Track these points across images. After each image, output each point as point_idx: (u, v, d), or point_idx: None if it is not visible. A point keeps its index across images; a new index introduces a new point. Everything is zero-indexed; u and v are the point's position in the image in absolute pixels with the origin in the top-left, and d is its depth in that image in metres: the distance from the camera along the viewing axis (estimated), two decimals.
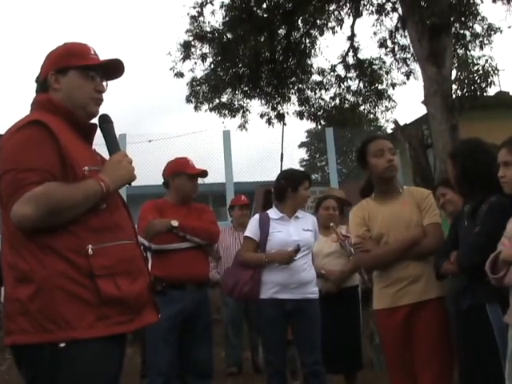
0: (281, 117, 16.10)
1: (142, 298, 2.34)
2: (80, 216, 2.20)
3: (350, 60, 16.18)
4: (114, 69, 2.53)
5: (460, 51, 13.99)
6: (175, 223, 4.50)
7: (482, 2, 13.57)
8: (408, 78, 15.92)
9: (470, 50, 14.13)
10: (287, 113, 16.23)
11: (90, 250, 2.17)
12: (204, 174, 4.83)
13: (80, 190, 2.20)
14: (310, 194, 5.02)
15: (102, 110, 2.53)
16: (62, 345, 2.09)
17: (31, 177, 2.12)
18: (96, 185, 2.23)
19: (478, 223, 3.34)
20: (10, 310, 2.17)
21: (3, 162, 2.19)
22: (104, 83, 2.51)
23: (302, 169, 42.05)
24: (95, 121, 2.51)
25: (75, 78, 2.41)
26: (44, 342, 2.09)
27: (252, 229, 4.78)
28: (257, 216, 4.87)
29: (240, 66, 15.09)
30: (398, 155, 4.14)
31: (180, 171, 4.75)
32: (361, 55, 16.19)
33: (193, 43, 15.11)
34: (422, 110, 12.83)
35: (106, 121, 2.52)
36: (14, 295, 2.16)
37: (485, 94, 11.37)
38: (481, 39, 14.24)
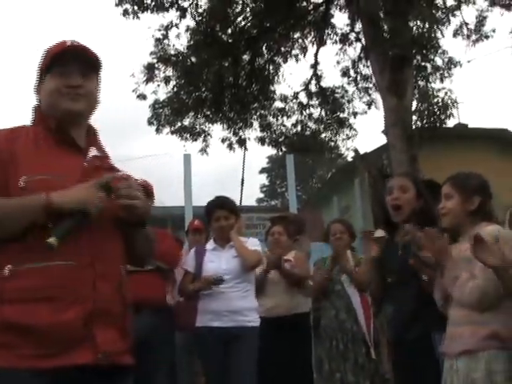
0: (242, 142, 16.12)
1: (70, 330, 1.94)
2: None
3: (313, 88, 16.31)
4: (87, 60, 2.25)
5: (421, 83, 14.23)
6: None
7: (443, 36, 13.90)
8: (369, 108, 16.12)
9: (430, 82, 14.40)
10: (249, 138, 16.27)
11: (6, 271, 1.92)
12: None
13: (13, 202, 1.98)
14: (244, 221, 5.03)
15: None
16: None
17: None
18: (36, 198, 1.97)
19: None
20: None
21: None
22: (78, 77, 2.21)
23: (261, 195, 42.39)
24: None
25: (48, 81, 2.20)
26: None
27: (188, 261, 5.01)
28: (193, 249, 5.11)
29: (203, 89, 15.09)
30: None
31: None
32: (323, 83, 16.35)
33: (156, 65, 15.09)
34: (383, 140, 13.01)
35: None
36: None
37: (444, 125, 11.58)
38: (441, 72, 14.55)
